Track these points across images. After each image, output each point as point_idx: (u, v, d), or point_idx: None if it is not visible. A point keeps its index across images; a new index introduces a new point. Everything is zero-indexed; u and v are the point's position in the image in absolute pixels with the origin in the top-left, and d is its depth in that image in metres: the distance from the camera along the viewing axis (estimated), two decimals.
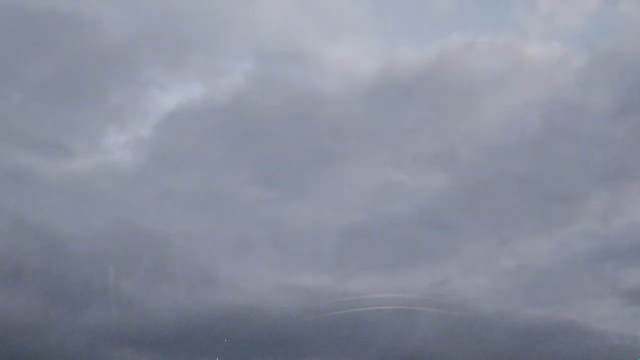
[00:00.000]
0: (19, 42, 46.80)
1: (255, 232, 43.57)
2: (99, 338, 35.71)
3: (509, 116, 49.67)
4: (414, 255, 43.54)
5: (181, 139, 48.60)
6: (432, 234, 44.93)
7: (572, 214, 46.01)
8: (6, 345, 33.71)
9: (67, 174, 44.59)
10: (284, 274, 40.72)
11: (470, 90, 50.13)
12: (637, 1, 53.61)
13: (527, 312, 39.99)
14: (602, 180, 46.78)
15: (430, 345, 37.26)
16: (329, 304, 36.08)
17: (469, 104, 50.36)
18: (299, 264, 41.77)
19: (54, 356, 34.90)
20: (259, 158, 47.93)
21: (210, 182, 45.97)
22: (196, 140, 48.35)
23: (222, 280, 40.03)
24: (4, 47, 46.38)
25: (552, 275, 41.74)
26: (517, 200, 46.62)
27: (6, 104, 45.65)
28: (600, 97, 49.12)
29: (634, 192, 46.11)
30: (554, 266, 42.33)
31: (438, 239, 44.60)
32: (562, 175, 47.25)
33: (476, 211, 45.95)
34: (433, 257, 43.46)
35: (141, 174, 45.74)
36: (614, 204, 46.09)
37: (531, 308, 40.32)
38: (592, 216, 45.71)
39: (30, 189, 42.49)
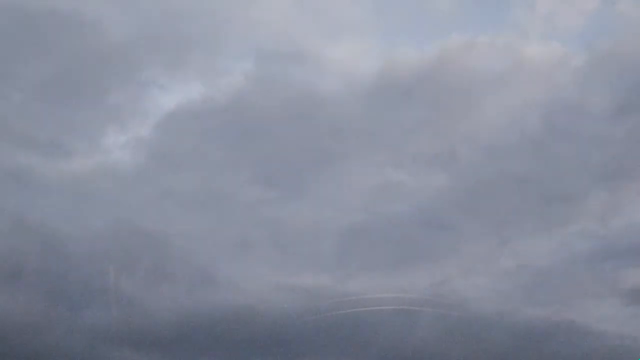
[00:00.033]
0: (19, 42, 46.88)
1: (255, 232, 43.59)
2: (99, 338, 35.76)
3: (508, 116, 49.74)
4: (414, 255, 43.55)
5: (181, 139, 48.66)
6: (432, 234, 44.97)
7: (571, 214, 46.06)
8: (6, 345, 33.75)
9: (67, 174, 44.67)
10: (284, 274, 40.76)
11: (470, 90, 50.21)
12: (636, 1, 53.78)
13: (527, 312, 40.05)
14: (601, 180, 46.85)
15: (430, 345, 37.29)
16: (329, 304, 36.11)
17: (469, 104, 50.44)
18: (299, 264, 41.80)
19: (54, 356, 34.96)
20: (259, 158, 47.97)
21: (210, 182, 46.01)
22: (196, 140, 48.41)
23: (222, 280, 40.07)
24: (4, 47, 46.50)
25: (552, 275, 41.78)
26: (517, 200, 46.67)
27: (6, 104, 45.82)
28: (600, 97, 49.23)
29: (633, 192, 46.16)
30: (554, 266, 42.37)
31: (438, 239, 44.63)
32: (561, 175, 47.28)
33: (476, 211, 45.97)
34: (433, 257, 43.48)
35: (141, 174, 45.80)
36: (614, 204, 46.17)
37: (531, 308, 40.38)
38: (592, 216, 45.77)
39: (30, 189, 42.60)
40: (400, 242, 44.02)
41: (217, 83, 50.45)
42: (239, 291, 39.22)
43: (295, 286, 39.24)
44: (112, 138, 47.72)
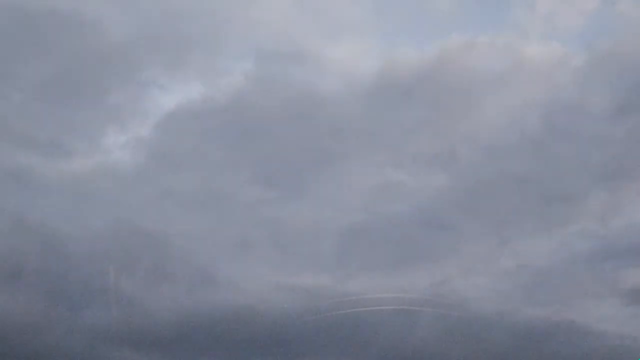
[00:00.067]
0: (19, 42, 46.88)
1: (255, 232, 43.59)
2: (99, 338, 35.77)
3: (508, 116, 49.75)
4: (414, 255, 43.55)
5: (181, 139, 48.67)
6: (432, 234, 44.97)
7: (571, 214, 46.06)
8: (6, 345, 33.75)
9: (67, 174, 44.68)
10: (284, 274, 40.76)
11: (470, 90, 50.21)
12: (636, 1, 53.79)
13: (527, 312, 40.05)
14: (601, 180, 46.86)
15: (430, 345, 37.29)
16: (329, 304, 36.11)
17: (469, 104, 50.44)
18: (299, 264, 41.80)
19: (54, 356, 34.97)
20: (259, 158, 47.97)
21: (210, 182, 46.01)
22: (196, 140, 48.42)
23: (222, 280, 40.07)
24: (4, 47, 46.50)
25: (552, 275, 41.79)
26: (517, 200, 46.68)
27: (6, 104, 45.82)
28: (600, 97, 49.23)
29: (633, 192, 46.16)
30: (554, 266, 42.37)
31: (438, 239, 44.63)
32: (561, 175, 47.28)
33: (476, 211, 45.97)
34: (433, 257, 43.49)
35: (141, 174, 45.81)
36: (614, 204, 46.18)
37: (531, 308, 40.38)
38: (592, 216, 45.78)
39: (30, 189, 42.61)
40: (400, 242, 44.09)
41: (217, 83, 50.58)
42: (239, 291, 39.27)
43: (295, 286, 39.29)
44: (112, 138, 47.85)
